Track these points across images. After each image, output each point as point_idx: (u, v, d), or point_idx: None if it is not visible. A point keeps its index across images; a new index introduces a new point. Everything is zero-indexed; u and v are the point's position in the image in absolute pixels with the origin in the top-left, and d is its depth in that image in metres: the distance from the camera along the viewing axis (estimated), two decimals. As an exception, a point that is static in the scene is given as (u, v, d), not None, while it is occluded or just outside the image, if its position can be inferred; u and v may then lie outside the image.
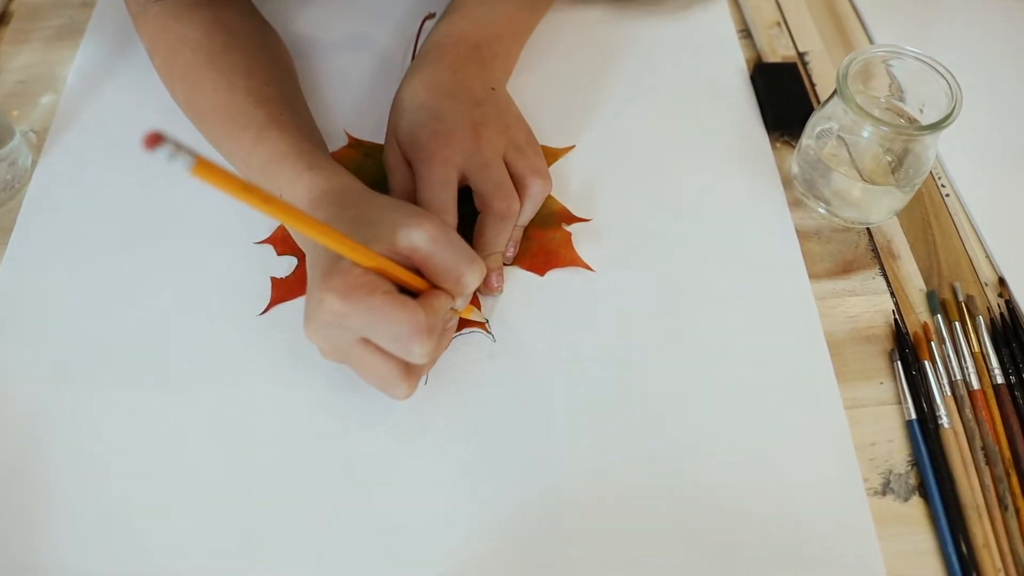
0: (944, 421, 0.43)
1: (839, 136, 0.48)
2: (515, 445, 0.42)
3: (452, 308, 0.41)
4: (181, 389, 0.44)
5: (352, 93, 0.55)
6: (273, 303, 0.46)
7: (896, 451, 0.42)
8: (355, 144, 0.52)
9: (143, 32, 0.51)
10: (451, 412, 0.43)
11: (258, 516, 0.40)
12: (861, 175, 0.48)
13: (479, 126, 0.46)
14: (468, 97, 0.47)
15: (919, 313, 0.47)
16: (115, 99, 0.56)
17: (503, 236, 0.45)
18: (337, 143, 0.53)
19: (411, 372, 0.39)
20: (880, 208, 0.48)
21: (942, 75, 0.45)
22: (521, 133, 0.48)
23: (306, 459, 0.41)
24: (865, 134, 0.46)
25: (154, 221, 0.50)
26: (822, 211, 0.49)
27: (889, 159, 0.48)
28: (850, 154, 0.48)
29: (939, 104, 0.45)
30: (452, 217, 0.44)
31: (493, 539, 0.39)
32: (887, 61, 0.47)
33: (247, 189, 0.29)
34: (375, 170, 0.50)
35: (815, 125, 0.48)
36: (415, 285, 0.39)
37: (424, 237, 0.38)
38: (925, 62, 0.46)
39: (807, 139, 0.48)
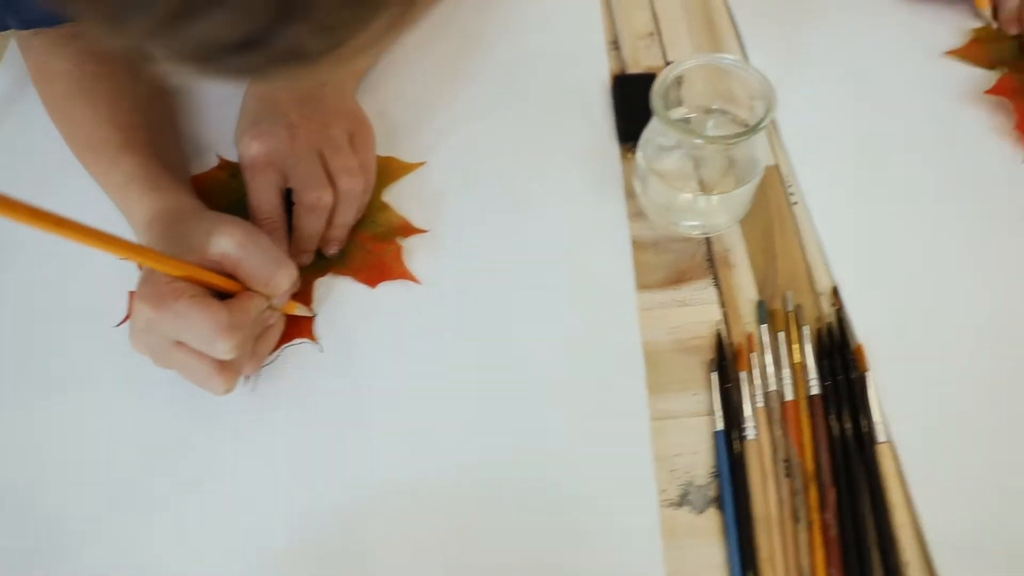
0: (750, 433, 0.43)
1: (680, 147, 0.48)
2: (336, 451, 0.44)
3: (270, 306, 0.44)
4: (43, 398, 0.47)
5: (229, 116, 0.57)
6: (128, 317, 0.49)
7: (700, 463, 0.42)
8: (224, 166, 0.55)
9: (28, 65, 0.55)
10: (277, 420, 0.45)
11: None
12: (700, 185, 0.48)
13: (295, 126, 0.49)
14: (290, 97, 0.50)
15: (747, 324, 0.46)
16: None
17: (314, 229, 0.48)
18: (211, 165, 0.56)
19: (225, 368, 0.42)
20: (715, 217, 0.49)
21: (757, 80, 0.45)
22: (340, 131, 0.50)
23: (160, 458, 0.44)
24: (696, 143, 0.46)
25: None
26: (661, 221, 0.50)
27: (727, 166, 0.48)
28: (695, 164, 0.49)
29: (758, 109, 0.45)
30: (278, 218, 0.48)
31: (306, 537, 0.41)
32: (711, 67, 0.47)
33: (36, 215, 0.31)
34: (240, 189, 0.53)
35: (647, 138, 0.48)
36: (230, 288, 0.42)
37: (232, 243, 0.42)
38: (741, 68, 0.46)
39: (640, 151, 0.48)
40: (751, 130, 0.43)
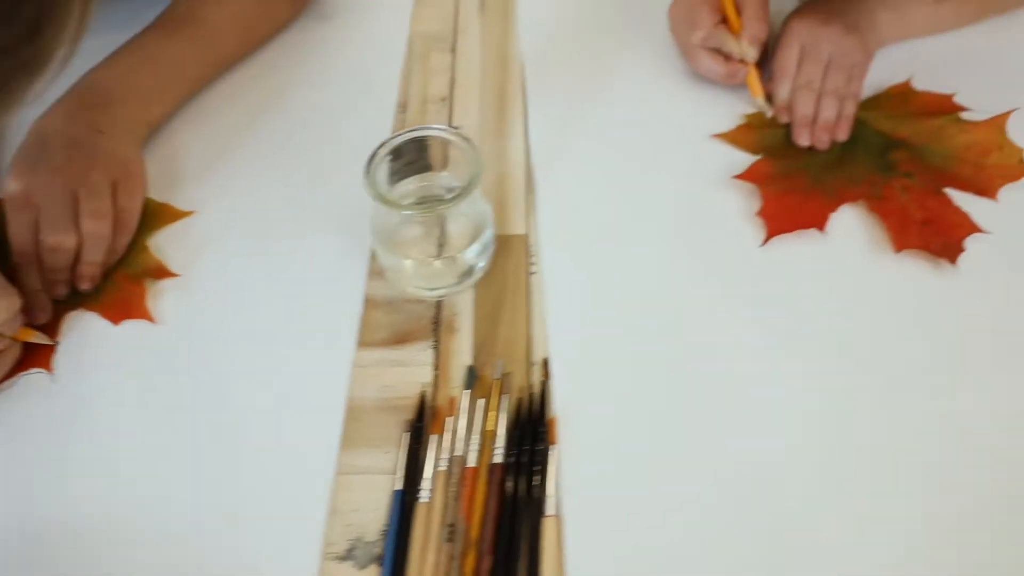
0: (424, 495, 0.44)
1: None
2: (55, 483, 0.46)
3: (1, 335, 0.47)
4: None
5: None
6: None
7: (375, 520, 0.44)
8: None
9: None
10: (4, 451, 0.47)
11: None
12: (437, 250, 0.50)
13: (57, 168, 0.52)
14: (63, 141, 0.53)
15: (455, 388, 0.48)
16: None
17: (57, 266, 0.51)
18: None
19: None
20: (437, 281, 0.50)
21: (465, 149, 0.48)
22: (102, 176, 0.53)
23: None
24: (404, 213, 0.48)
25: None
26: (394, 282, 0.52)
27: (438, 233, 0.50)
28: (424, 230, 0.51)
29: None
30: (30, 254, 0.51)
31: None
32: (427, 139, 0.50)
33: None
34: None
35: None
36: None
37: None
38: (452, 137, 0.49)
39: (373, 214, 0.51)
40: (448, 201, 0.46)
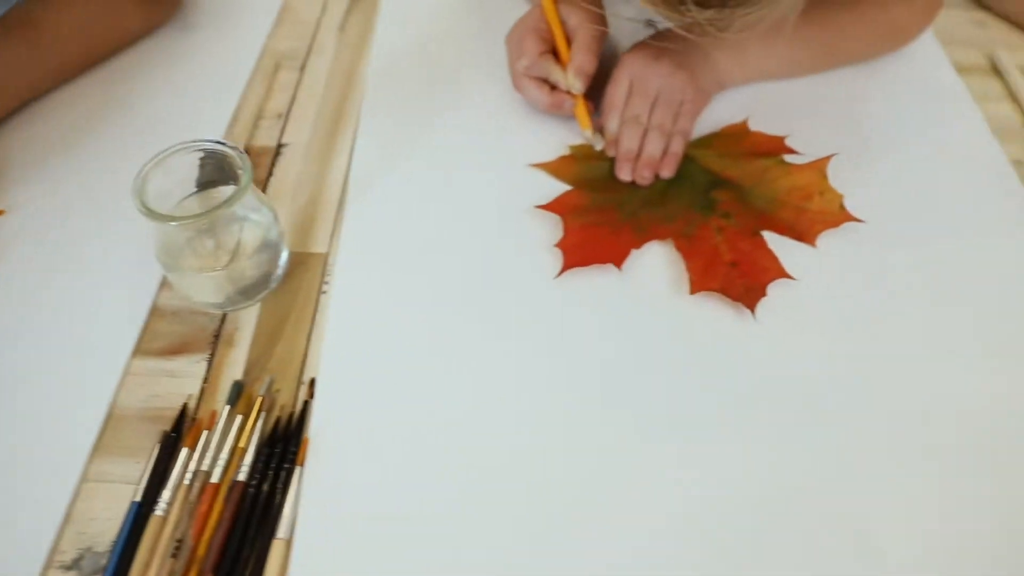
0: (161, 509, 0.43)
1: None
2: None
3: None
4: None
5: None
6: None
7: (111, 530, 0.43)
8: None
9: None
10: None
11: None
12: (208, 264, 0.50)
13: None
14: None
15: (220, 402, 0.48)
16: None
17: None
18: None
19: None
20: (211, 294, 0.50)
21: (237, 161, 0.48)
22: None
23: None
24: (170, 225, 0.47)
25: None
26: (178, 292, 0.52)
27: (213, 245, 0.50)
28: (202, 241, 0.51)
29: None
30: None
31: None
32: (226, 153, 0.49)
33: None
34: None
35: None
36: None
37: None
38: (229, 151, 0.48)
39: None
40: (204, 214, 0.46)
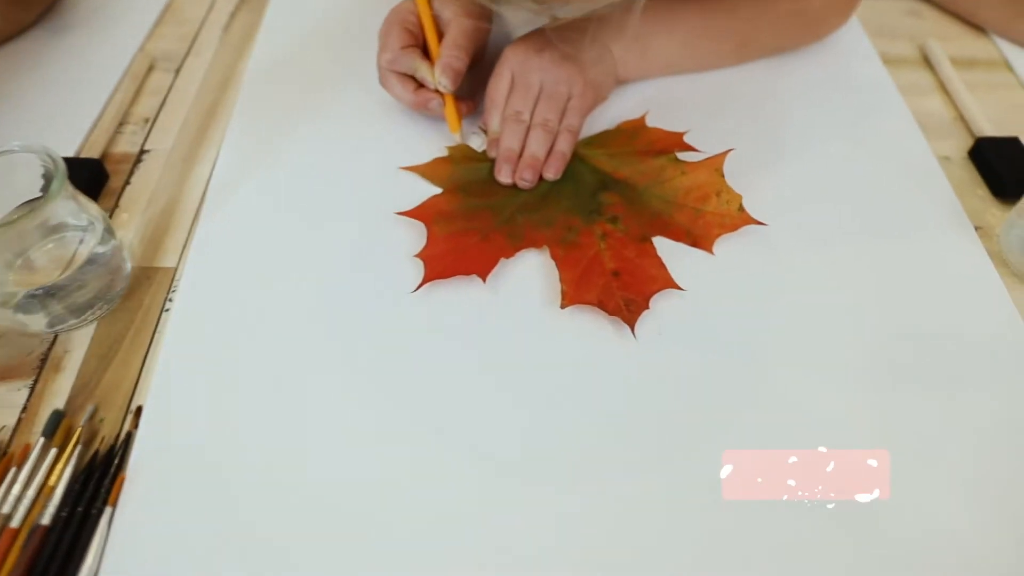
0: (-51, 556, 0.39)
1: None
2: None
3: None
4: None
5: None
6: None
7: None
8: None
9: None
10: None
11: None
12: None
13: None
14: None
15: (36, 434, 0.43)
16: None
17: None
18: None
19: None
20: (25, 313, 0.45)
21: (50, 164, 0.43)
22: None
23: None
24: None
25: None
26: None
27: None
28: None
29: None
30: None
31: None
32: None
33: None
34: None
35: None
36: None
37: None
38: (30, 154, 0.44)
39: None
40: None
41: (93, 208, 0.46)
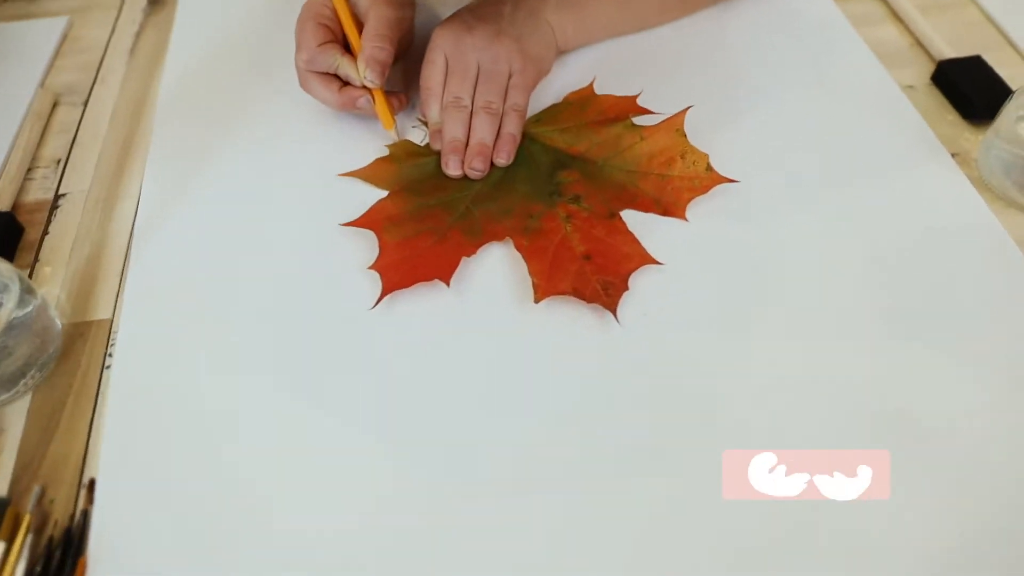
0: None
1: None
2: None
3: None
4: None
5: None
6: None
7: None
8: None
9: None
10: None
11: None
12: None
13: None
14: None
15: (-20, 524, 0.39)
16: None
17: None
18: None
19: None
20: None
21: None
22: None
23: None
24: None
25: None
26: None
27: None
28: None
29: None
30: None
31: None
32: None
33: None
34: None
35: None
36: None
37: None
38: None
39: None
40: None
41: (3, 268, 0.42)
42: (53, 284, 0.47)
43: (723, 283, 0.44)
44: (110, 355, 0.44)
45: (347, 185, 0.50)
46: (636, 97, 0.52)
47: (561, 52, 0.55)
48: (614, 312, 0.42)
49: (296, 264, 0.46)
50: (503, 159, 0.49)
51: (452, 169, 0.49)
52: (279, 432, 0.40)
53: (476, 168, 0.48)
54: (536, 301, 0.43)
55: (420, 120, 0.52)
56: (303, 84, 0.51)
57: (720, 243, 0.46)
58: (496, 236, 0.46)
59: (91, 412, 0.42)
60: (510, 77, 0.50)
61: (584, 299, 0.42)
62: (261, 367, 0.42)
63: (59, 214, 0.51)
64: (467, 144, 0.49)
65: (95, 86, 0.59)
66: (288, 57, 0.52)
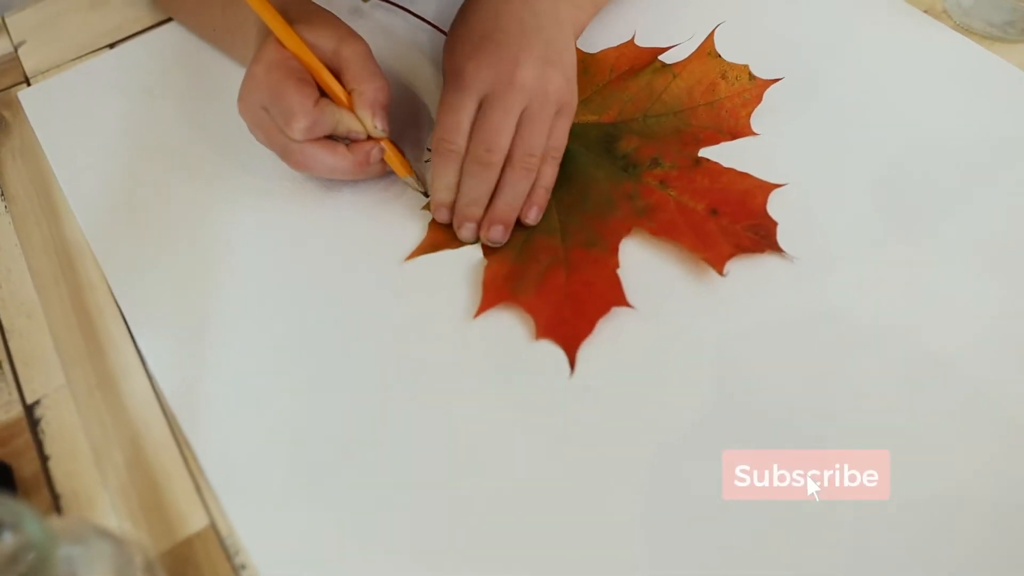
0: None
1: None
2: None
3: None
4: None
5: None
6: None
7: None
8: None
9: None
10: None
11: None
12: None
13: None
14: None
15: None
16: None
17: None
18: None
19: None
20: None
21: None
22: None
23: None
24: None
25: None
26: None
27: None
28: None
29: None
30: None
31: None
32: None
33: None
34: None
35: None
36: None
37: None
38: None
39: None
40: None
41: (75, 524, 0.30)
42: (102, 518, 0.34)
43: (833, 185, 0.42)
44: (242, 567, 0.33)
45: (409, 272, 0.41)
46: (632, 39, 0.47)
47: (577, 37, 0.47)
48: (781, 250, 0.38)
49: (428, 373, 0.37)
50: (532, 218, 0.41)
51: (466, 236, 0.41)
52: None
53: (495, 239, 0.40)
54: (721, 273, 0.38)
55: (410, 179, 0.43)
56: (298, 159, 0.40)
57: (800, 141, 0.43)
58: (620, 233, 0.40)
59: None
60: (557, 113, 0.41)
61: (750, 252, 0.38)
62: (429, 499, 0.34)
63: (47, 427, 0.37)
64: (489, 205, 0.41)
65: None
66: (217, 128, 0.42)
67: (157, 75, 0.51)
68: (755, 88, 0.45)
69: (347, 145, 0.40)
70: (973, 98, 0.46)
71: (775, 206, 0.40)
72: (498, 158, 0.40)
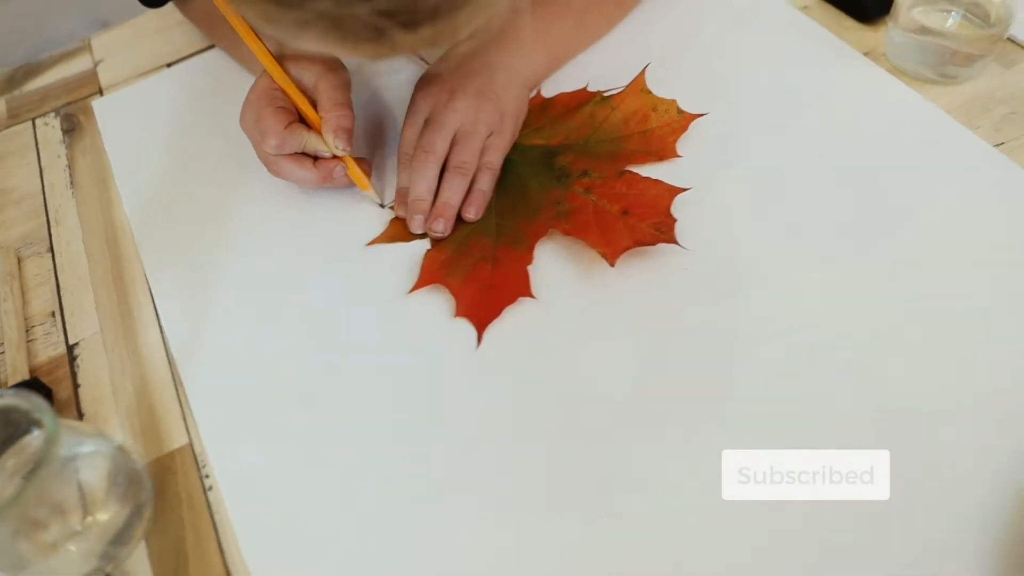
0: None
1: None
2: None
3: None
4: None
5: None
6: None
7: None
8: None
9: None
10: None
11: None
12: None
13: None
14: None
15: None
16: None
17: None
18: None
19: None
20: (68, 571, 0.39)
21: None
22: None
23: None
24: None
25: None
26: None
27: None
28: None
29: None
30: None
31: None
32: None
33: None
34: None
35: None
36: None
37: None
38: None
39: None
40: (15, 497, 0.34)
41: (82, 426, 0.40)
42: (111, 431, 0.45)
43: (752, 196, 0.49)
44: (207, 476, 0.43)
45: (370, 254, 0.50)
46: (585, 87, 0.55)
47: (531, 91, 0.57)
48: (676, 242, 0.45)
49: (370, 335, 0.47)
50: (471, 214, 0.50)
51: (415, 227, 0.50)
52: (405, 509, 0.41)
53: (437, 230, 0.49)
54: (612, 264, 0.45)
55: (370, 193, 0.53)
56: (274, 170, 0.51)
57: (712, 168, 0.50)
58: (539, 234, 0.48)
59: (215, 536, 0.41)
60: (489, 136, 0.51)
61: (647, 244, 0.46)
62: (359, 438, 0.43)
63: (81, 364, 0.48)
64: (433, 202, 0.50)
65: (52, 229, 0.56)
66: (242, 140, 0.52)
67: (201, 92, 0.63)
68: (683, 120, 0.52)
69: (315, 161, 0.50)
70: (886, 130, 0.51)
71: (682, 208, 0.47)
72: (434, 158, 0.49)
